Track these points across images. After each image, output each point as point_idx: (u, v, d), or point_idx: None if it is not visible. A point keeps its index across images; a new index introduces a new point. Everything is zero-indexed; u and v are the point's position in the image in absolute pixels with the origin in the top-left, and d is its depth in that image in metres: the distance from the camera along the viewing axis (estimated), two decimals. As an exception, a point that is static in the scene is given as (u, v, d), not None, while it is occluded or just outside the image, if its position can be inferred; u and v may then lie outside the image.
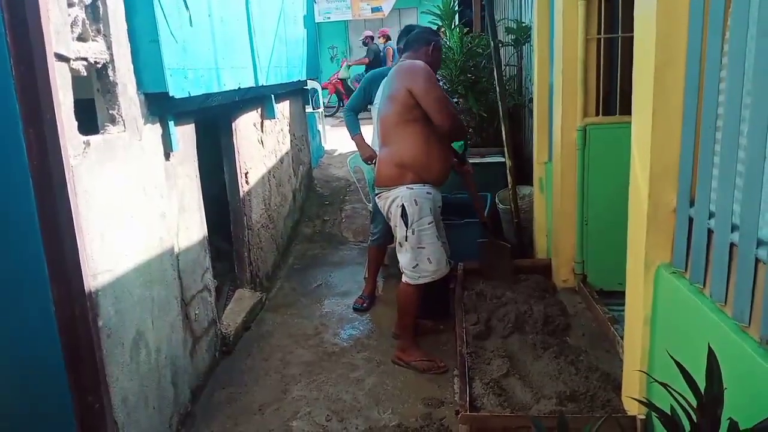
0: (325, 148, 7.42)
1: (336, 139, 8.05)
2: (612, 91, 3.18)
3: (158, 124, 2.54)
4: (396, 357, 3.09)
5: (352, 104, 3.99)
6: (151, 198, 2.43)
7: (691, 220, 1.68)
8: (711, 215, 1.53)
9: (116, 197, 2.14)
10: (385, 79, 3.38)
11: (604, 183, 3.20)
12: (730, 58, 1.41)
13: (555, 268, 3.58)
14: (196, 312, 2.90)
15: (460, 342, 2.79)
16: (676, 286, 1.74)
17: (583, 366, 2.52)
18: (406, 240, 2.91)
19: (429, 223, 2.90)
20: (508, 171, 4.28)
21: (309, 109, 6.16)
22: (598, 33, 3.13)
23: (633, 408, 2.09)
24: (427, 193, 2.92)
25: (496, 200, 4.63)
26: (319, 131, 6.95)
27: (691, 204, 1.68)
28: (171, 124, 2.63)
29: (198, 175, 3.05)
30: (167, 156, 2.63)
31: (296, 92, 5.58)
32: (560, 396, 2.28)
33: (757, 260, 1.27)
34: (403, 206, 2.88)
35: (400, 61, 3.14)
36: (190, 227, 2.90)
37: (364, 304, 3.78)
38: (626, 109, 3.11)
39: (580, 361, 2.56)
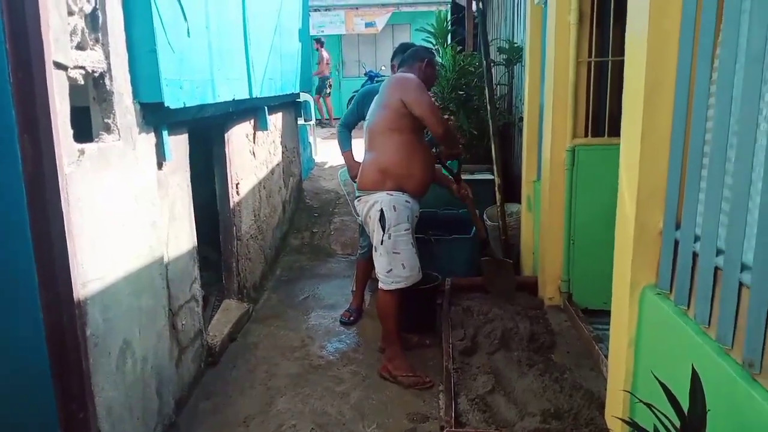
0: (316, 161, 7.44)
1: (327, 151, 8.07)
2: (601, 114, 3.24)
3: (152, 134, 2.55)
4: (382, 368, 3.09)
5: (346, 120, 4.03)
6: (143, 207, 2.43)
7: (677, 242, 1.71)
8: (696, 238, 1.57)
9: (108, 205, 2.14)
10: (378, 93, 3.43)
11: (591, 203, 3.26)
12: (719, 84, 1.45)
13: (541, 286, 3.61)
14: (183, 322, 2.89)
15: (446, 357, 2.80)
16: (660, 308, 1.77)
17: (568, 384, 2.54)
18: (381, 244, 2.96)
19: (406, 230, 2.97)
20: (496, 188, 4.33)
21: (301, 121, 6.18)
22: (589, 56, 3.20)
23: (616, 427, 2.11)
24: (406, 201, 2.99)
25: (485, 217, 4.67)
26: (310, 143, 6.98)
27: (677, 227, 1.72)
28: (165, 134, 2.64)
29: (189, 185, 3.05)
30: (160, 165, 2.64)
31: (289, 104, 5.60)
32: (544, 413, 2.30)
33: (740, 284, 1.30)
34: (381, 210, 2.95)
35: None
36: (180, 237, 2.90)
37: (351, 318, 3.79)
38: (614, 131, 3.19)
39: (565, 379, 2.58)
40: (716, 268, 1.44)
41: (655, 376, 1.31)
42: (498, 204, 4.32)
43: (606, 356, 2.66)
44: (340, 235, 5.44)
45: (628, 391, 1.92)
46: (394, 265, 2.96)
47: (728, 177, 1.40)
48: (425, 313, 3.50)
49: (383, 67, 13.85)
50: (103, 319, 2.08)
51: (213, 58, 3.06)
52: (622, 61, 3.12)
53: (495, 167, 4.30)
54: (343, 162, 4.10)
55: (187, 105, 2.66)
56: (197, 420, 2.75)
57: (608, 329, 3.07)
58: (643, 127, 1.86)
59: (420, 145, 3.07)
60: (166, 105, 2.43)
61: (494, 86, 4.71)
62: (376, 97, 3.35)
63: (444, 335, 3.08)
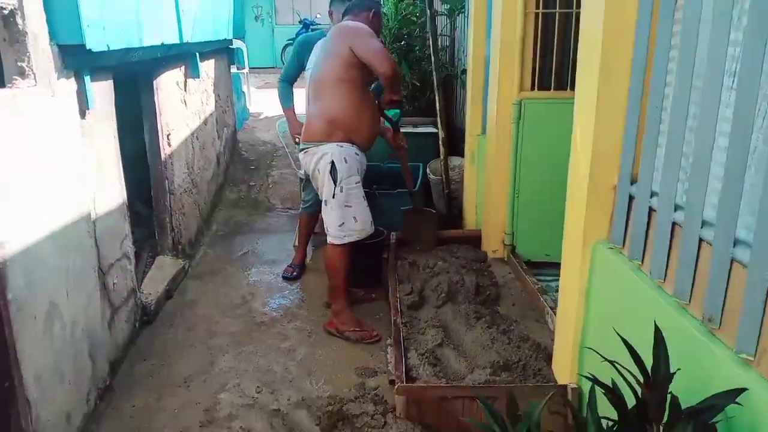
0: (251, 111, 7.14)
1: (261, 101, 7.76)
2: (547, 67, 3.21)
3: (73, 79, 2.31)
4: (329, 323, 3.05)
5: (287, 74, 3.84)
6: (66, 159, 2.22)
7: (631, 198, 1.71)
8: (653, 194, 1.57)
9: (26, 157, 1.93)
10: (321, 41, 3.26)
11: (535, 156, 3.26)
12: (682, 38, 1.42)
13: (485, 239, 3.63)
14: (115, 281, 2.72)
15: (394, 312, 2.78)
16: (613, 262, 1.79)
17: (515, 336, 2.57)
18: (333, 197, 2.88)
19: (357, 183, 2.90)
20: (440, 142, 4.28)
21: (234, 69, 5.88)
22: (537, 7, 3.13)
23: (564, 377, 2.15)
24: (356, 153, 2.93)
25: (428, 171, 4.63)
26: (244, 93, 6.68)
27: (632, 182, 1.71)
28: (87, 79, 2.41)
29: (116, 136, 2.82)
30: (83, 114, 2.41)
31: (221, 51, 5.30)
32: (494, 365, 2.32)
33: (700, 240, 1.30)
34: (332, 162, 2.86)
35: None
36: (109, 191, 2.69)
37: (294, 273, 3.70)
38: (560, 85, 3.18)
39: (512, 331, 2.62)
40: (674, 224, 1.44)
41: (617, 333, 1.31)
42: (442, 158, 4.28)
43: (552, 308, 2.71)
44: (279, 189, 5.28)
45: (591, 348, 1.94)
46: (346, 219, 2.89)
47: (689, 133, 1.38)
48: (371, 268, 3.45)
49: (318, 15, 13.40)
50: (25, 281, 1.90)
51: (139, -2, 2.80)
52: (569, 13, 3.13)
53: (439, 120, 4.24)
54: (280, 113, 3.92)
55: (111, 48, 2.43)
56: (134, 382, 2.63)
57: (552, 281, 3.16)
58: (600, 79, 1.82)
59: (367, 96, 2.98)
60: (87, 48, 2.20)
61: (438, 37, 4.59)
62: (320, 46, 3.19)
63: (391, 290, 3.05)
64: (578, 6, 3.05)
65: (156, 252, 3.77)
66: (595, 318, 1.97)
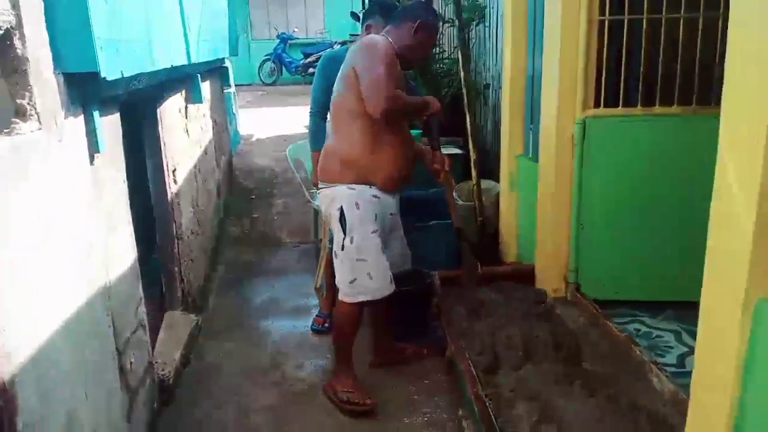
0: (241, 133, 6.64)
1: (248, 122, 7.25)
2: (613, 81, 2.82)
3: (81, 117, 1.83)
4: (327, 385, 2.63)
5: (316, 104, 3.09)
6: (76, 221, 1.73)
7: None
8: None
9: (31, 227, 1.44)
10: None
11: (603, 183, 2.87)
12: None
13: (541, 276, 3.22)
14: (132, 360, 2.22)
15: (469, 380, 2.33)
16: None
17: (624, 405, 2.15)
18: (342, 249, 2.45)
19: (373, 232, 2.44)
20: (472, 164, 3.87)
21: (226, 90, 5.40)
22: (601, 14, 2.75)
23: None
24: (373, 196, 2.46)
25: (455, 195, 4.22)
26: (235, 114, 6.18)
27: None
28: (96, 115, 1.92)
29: (125, 181, 2.34)
30: (92, 159, 1.92)
31: (215, 71, 4.81)
32: (616, 450, 1.90)
33: None
34: (341, 208, 2.42)
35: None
36: (121, 251, 2.20)
37: (326, 324, 3.22)
38: (628, 102, 2.80)
39: (617, 398, 2.19)
40: None
41: None
42: (474, 181, 3.87)
43: (653, 362, 2.31)
44: (286, 220, 4.80)
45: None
46: (359, 275, 2.44)
47: None
48: (418, 317, 3.02)
49: (296, 29, 12.98)
50: (39, 397, 1.41)
51: (149, 15, 2.33)
52: (640, 20, 2.77)
53: (471, 140, 3.84)
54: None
55: (124, 75, 1.95)
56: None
57: (627, 323, 2.77)
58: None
59: (393, 128, 2.45)
60: (102, 75, 1.72)
61: (468, 51, 4.19)
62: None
63: (454, 348, 2.60)
64: (652, 11, 2.72)
65: (161, 306, 3.25)
66: (758, 400, 1.57)
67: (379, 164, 2.44)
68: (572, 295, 3.04)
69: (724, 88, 1.66)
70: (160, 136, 2.98)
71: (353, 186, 2.43)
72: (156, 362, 2.68)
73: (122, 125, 2.37)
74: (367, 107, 2.30)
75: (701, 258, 2.19)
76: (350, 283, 2.46)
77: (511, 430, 2.04)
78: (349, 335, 2.59)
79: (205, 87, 4.34)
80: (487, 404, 2.15)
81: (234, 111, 6.24)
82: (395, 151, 2.47)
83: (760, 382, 1.56)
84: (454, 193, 4.11)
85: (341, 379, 2.58)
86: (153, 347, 2.81)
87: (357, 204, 2.41)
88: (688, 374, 2.38)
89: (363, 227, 2.42)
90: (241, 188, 5.22)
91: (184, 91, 3.53)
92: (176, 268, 3.17)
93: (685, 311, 2.87)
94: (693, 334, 2.72)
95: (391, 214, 2.58)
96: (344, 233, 2.42)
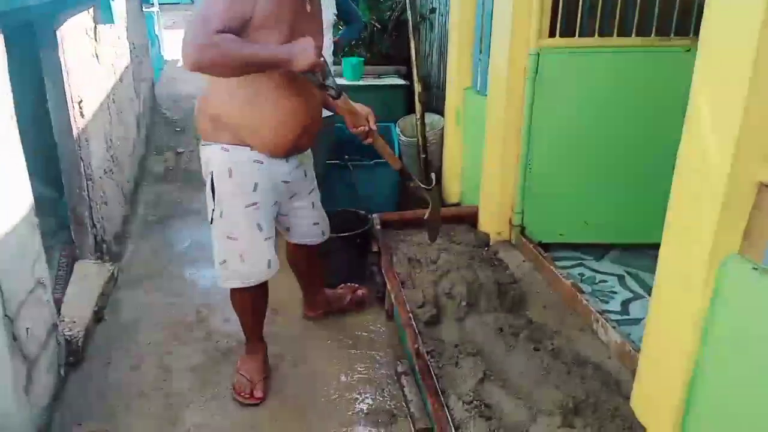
0: (165, 58, 6.08)
1: (175, 45, 6.65)
2: (571, 7, 2.58)
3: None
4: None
5: None
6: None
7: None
8: None
9: None
10: None
11: (556, 119, 2.68)
12: None
13: (484, 218, 3.06)
14: (29, 326, 1.93)
15: (410, 333, 2.17)
16: (752, 285, 1.28)
17: (569, 358, 2.05)
18: (211, 223, 2.06)
19: (248, 206, 1.98)
20: (417, 98, 3.57)
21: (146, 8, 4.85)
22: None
23: (649, 421, 1.69)
24: (255, 161, 1.97)
25: (398, 130, 3.98)
26: (157, 37, 5.61)
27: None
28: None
29: (14, 116, 1.96)
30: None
31: (130, -15, 4.27)
32: (563, 409, 1.79)
33: None
34: (211, 174, 1.98)
35: None
36: (10, 198, 1.87)
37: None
38: (584, 31, 2.59)
39: (562, 352, 2.09)
40: None
41: None
42: (418, 116, 3.61)
43: (599, 311, 2.22)
44: (215, 156, 4.43)
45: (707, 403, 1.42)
46: (228, 256, 2.05)
47: None
48: (356, 262, 2.83)
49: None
50: None
51: None
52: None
53: (415, 71, 3.53)
54: None
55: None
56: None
57: (571, 267, 2.67)
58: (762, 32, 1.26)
59: (280, 79, 1.89)
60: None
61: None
62: None
63: (394, 299, 2.42)
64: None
65: (72, 252, 2.93)
66: (715, 359, 1.48)
67: (262, 122, 1.91)
68: (516, 238, 2.90)
69: (703, 20, 1.47)
70: (61, 61, 2.57)
71: (227, 147, 1.94)
72: (62, 320, 2.40)
73: (13, 50, 1.97)
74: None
75: (652, 202, 2.06)
76: (221, 263, 2.07)
77: (454, 390, 1.91)
78: (247, 320, 2.26)
79: (120, 4, 3.84)
80: (429, 362, 2.01)
81: (156, 33, 5.67)
82: (285, 106, 1.92)
83: (719, 336, 1.47)
84: (397, 127, 3.88)
85: (245, 359, 2.28)
86: (60, 304, 2.53)
87: (230, 170, 1.94)
88: (633, 321, 2.34)
89: (234, 199, 1.97)
90: (166, 120, 4.78)
91: (92, 9, 3.07)
92: (86, 212, 2.84)
93: (629, 253, 2.81)
94: (637, 279, 2.66)
95: (284, 182, 2.09)
96: (214, 203, 2.01)
